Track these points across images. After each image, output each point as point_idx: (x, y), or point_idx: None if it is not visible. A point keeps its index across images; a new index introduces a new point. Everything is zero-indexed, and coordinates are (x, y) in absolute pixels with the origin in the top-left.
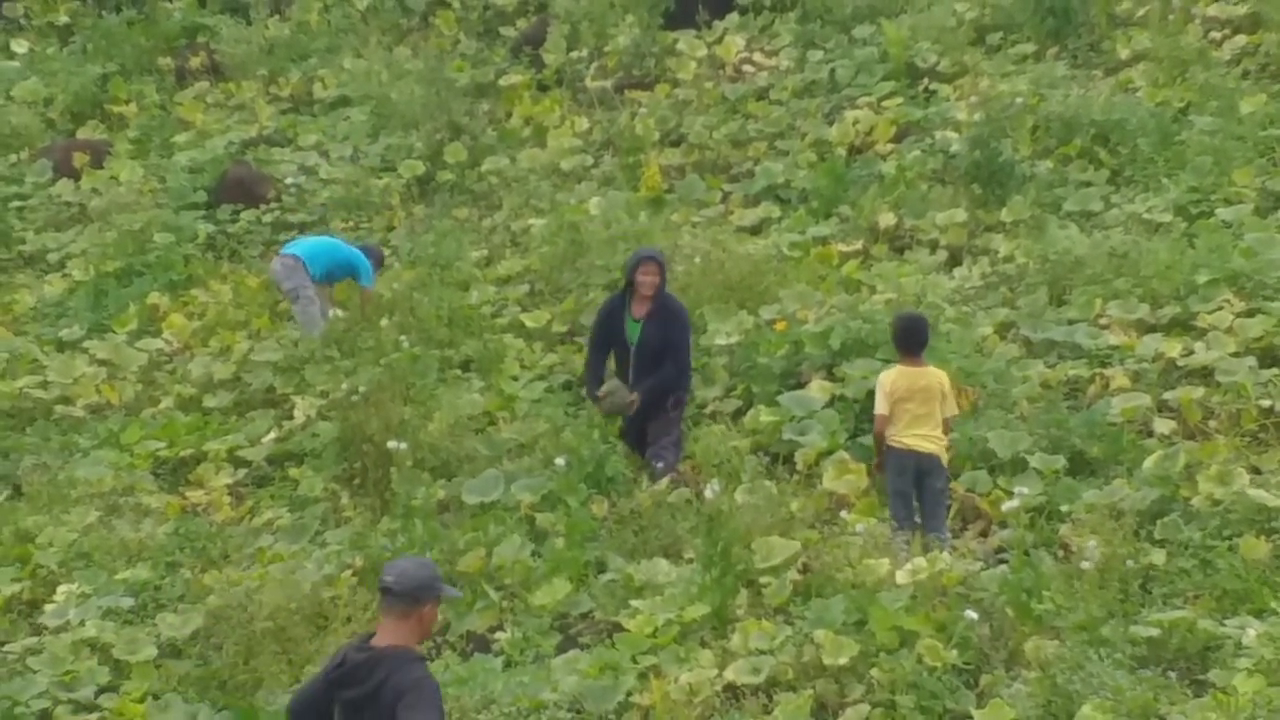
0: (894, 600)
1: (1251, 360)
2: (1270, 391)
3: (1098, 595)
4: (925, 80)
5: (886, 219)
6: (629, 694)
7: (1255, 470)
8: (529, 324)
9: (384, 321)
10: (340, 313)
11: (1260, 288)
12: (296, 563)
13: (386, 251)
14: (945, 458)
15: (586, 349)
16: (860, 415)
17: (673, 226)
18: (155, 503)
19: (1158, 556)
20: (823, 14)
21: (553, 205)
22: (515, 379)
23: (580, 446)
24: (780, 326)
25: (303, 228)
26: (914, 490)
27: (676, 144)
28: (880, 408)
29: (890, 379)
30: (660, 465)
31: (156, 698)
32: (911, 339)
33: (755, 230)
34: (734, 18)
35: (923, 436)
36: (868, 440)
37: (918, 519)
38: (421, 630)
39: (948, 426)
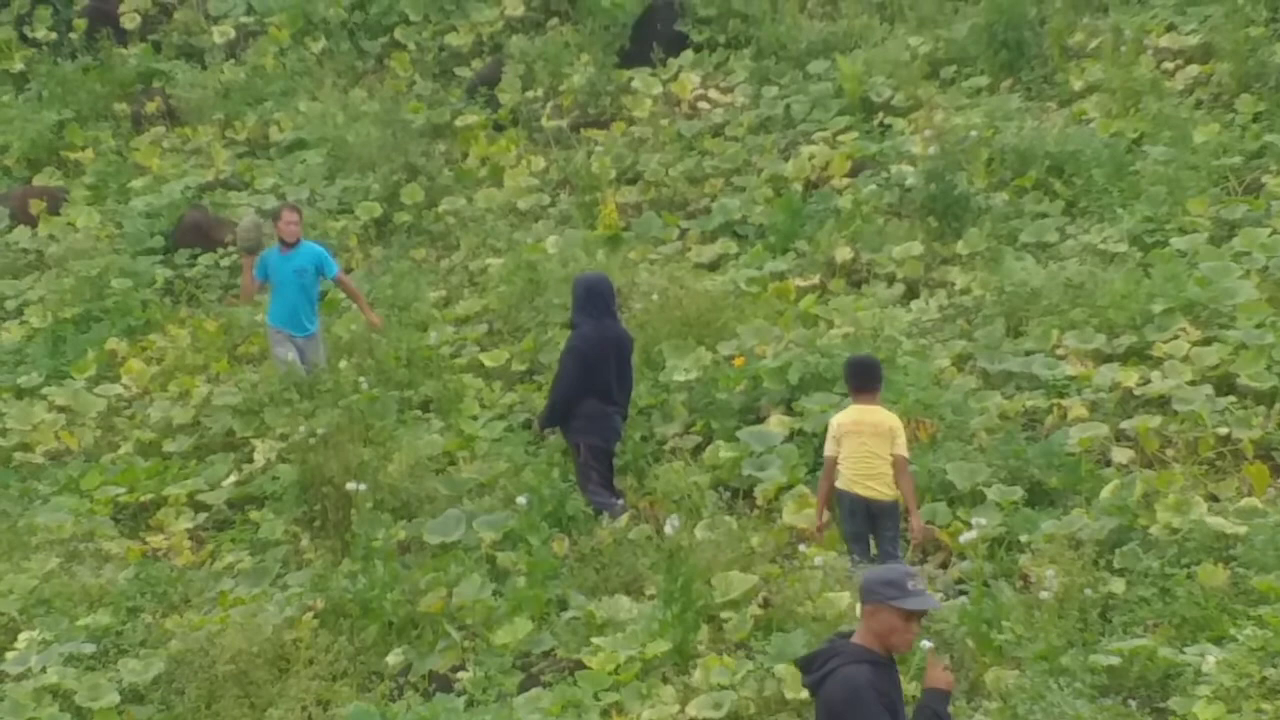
0: None
1: (1208, 388)
2: (1227, 419)
3: (1057, 625)
4: (880, 114)
5: (843, 253)
6: None
7: (1213, 498)
8: (488, 363)
9: (342, 363)
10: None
11: (1215, 316)
12: (258, 606)
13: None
14: (895, 498)
15: None
16: (819, 450)
17: (630, 264)
18: (116, 548)
19: (1117, 585)
20: (777, 50)
21: (510, 244)
22: (475, 418)
23: (541, 485)
24: (738, 362)
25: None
26: (868, 531)
27: (633, 182)
28: (829, 449)
29: (839, 418)
30: (606, 515)
31: None
32: (864, 378)
33: (713, 266)
34: (689, 55)
35: (871, 481)
36: None
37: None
38: (875, 634)
39: (901, 465)
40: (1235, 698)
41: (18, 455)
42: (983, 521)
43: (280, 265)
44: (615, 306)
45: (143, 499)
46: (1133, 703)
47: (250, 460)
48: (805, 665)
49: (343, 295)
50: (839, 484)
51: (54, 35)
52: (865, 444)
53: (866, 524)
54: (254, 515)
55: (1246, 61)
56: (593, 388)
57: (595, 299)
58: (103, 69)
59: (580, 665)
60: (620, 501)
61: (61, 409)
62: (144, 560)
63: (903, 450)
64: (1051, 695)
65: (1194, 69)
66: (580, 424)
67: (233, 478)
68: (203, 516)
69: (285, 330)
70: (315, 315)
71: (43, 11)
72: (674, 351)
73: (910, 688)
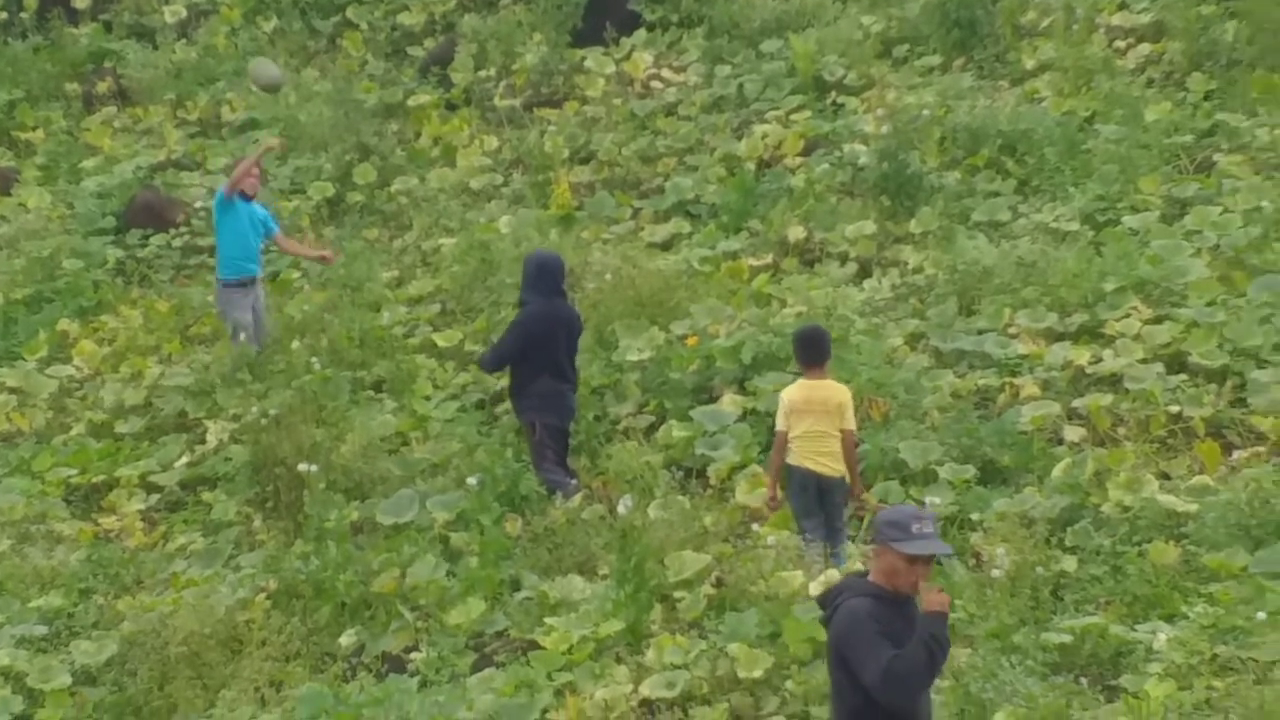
0: (807, 612)
1: (1159, 367)
2: (1178, 397)
3: (1009, 603)
4: (833, 93)
5: (796, 232)
6: (544, 711)
7: (1164, 476)
8: (441, 343)
9: (295, 344)
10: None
11: (1167, 294)
12: (210, 587)
13: (296, 274)
14: (845, 475)
15: None
16: (772, 429)
17: (583, 243)
18: (68, 530)
19: (1069, 563)
20: (730, 29)
21: (463, 224)
22: (428, 399)
23: (494, 465)
24: (691, 342)
25: (212, 252)
26: (818, 506)
27: (586, 161)
28: (780, 424)
29: (789, 393)
30: (560, 494)
31: None
32: (812, 351)
33: (666, 246)
34: (641, 34)
35: (822, 457)
36: None
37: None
38: (883, 573)
39: (848, 440)
40: (1186, 675)
41: None
42: (935, 500)
43: (244, 211)
44: (565, 285)
45: (95, 480)
46: (1084, 680)
47: (202, 441)
48: (821, 602)
49: (295, 275)
50: (790, 459)
51: (4, 15)
52: (817, 422)
53: (816, 499)
54: (206, 496)
55: (1198, 40)
56: (545, 366)
57: (546, 277)
58: (54, 49)
59: (533, 645)
60: (574, 481)
61: (13, 390)
62: (96, 542)
63: (851, 425)
64: (1003, 673)
65: (1146, 47)
66: (534, 402)
67: (185, 459)
68: (155, 498)
69: (241, 281)
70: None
71: None
72: (627, 331)
73: None
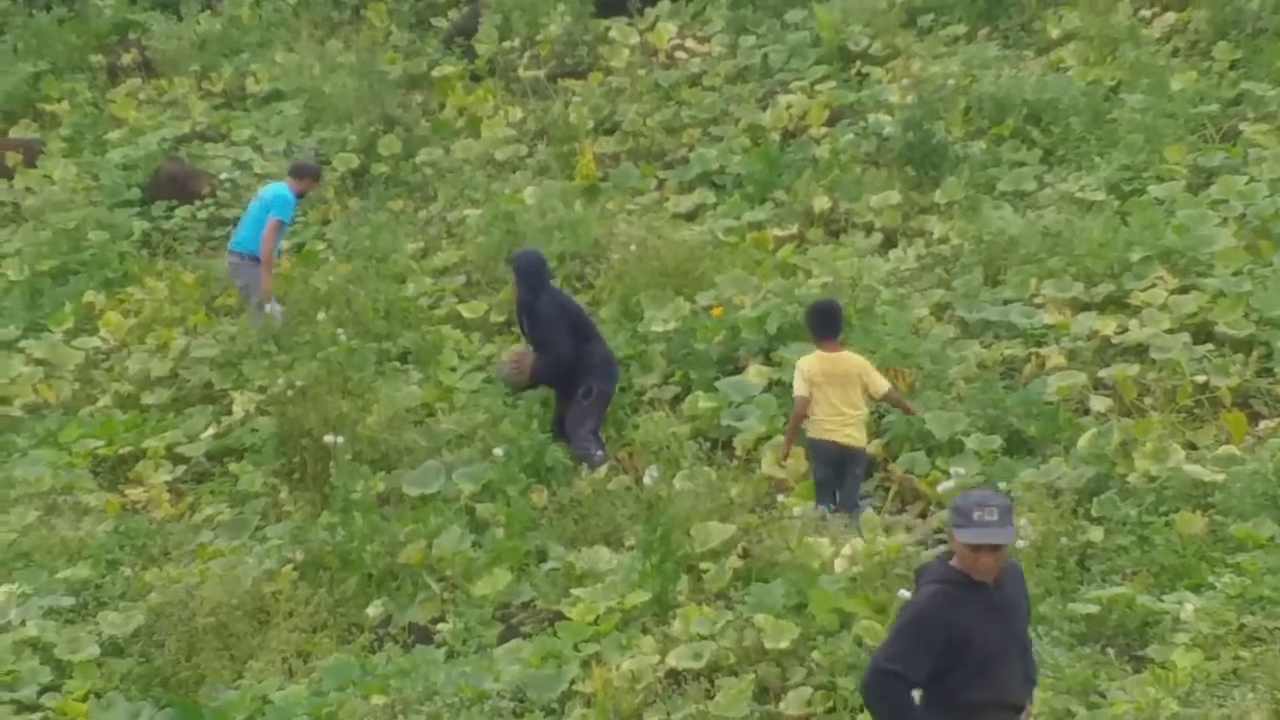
0: (834, 583)
1: (1185, 337)
2: (1205, 367)
3: (1036, 573)
4: (858, 63)
5: (821, 203)
6: (571, 682)
7: (1191, 446)
8: (466, 315)
9: (320, 315)
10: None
11: (1193, 264)
12: (237, 558)
13: (321, 245)
14: (864, 446)
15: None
16: None
17: (608, 214)
18: (94, 501)
19: (1095, 534)
20: None
21: (488, 195)
22: (453, 370)
23: (519, 436)
24: (717, 312)
25: (237, 223)
26: (836, 477)
27: (610, 132)
28: (800, 389)
29: (808, 364)
30: (586, 465)
31: (99, 696)
32: (826, 324)
33: (690, 216)
34: (665, 4)
35: (845, 427)
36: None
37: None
38: (956, 556)
39: (894, 398)
40: (1213, 645)
41: None
42: (961, 471)
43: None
44: None
45: (121, 452)
46: (1111, 651)
47: (229, 413)
48: (916, 579)
49: (321, 247)
50: (812, 433)
51: None
52: (836, 394)
53: (836, 470)
54: (233, 468)
55: (1224, 9)
56: (591, 334)
57: (542, 270)
58: (78, 20)
59: (560, 616)
60: (601, 453)
61: (39, 362)
62: (123, 513)
63: (882, 386)
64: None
65: (1171, 16)
66: (596, 366)
67: (211, 430)
68: (181, 469)
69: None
70: None
71: None
72: (652, 302)
73: None
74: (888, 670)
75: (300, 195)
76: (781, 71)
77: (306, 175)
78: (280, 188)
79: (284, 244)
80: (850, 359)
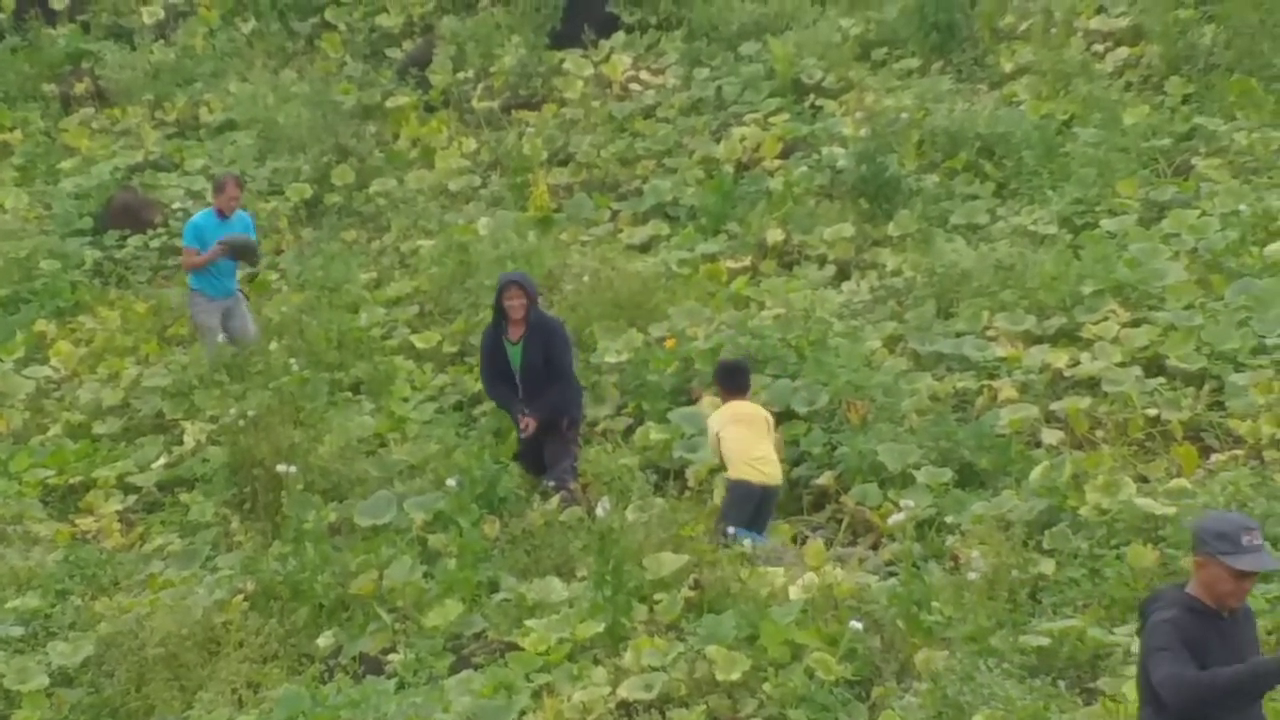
0: (785, 614)
1: (1137, 370)
2: (1156, 401)
3: (987, 606)
4: (811, 96)
5: (775, 235)
6: (522, 713)
7: (1142, 479)
8: (419, 345)
9: (273, 345)
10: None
11: (1145, 298)
12: (188, 588)
13: (274, 275)
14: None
15: (484, 384)
16: None
17: (561, 245)
18: (45, 530)
19: (1046, 566)
20: (709, 31)
21: (441, 226)
22: (406, 400)
23: (472, 467)
24: (670, 344)
25: None
26: (754, 518)
27: (564, 163)
28: (714, 428)
29: (718, 413)
30: (564, 494)
31: None
32: (734, 381)
33: (644, 248)
34: (620, 36)
35: (764, 465)
36: None
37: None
38: (1204, 585)
39: (779, 445)
40: None
41: None
42: (911, 503)
43: (219, 233)
44: None
45: (72, 481)
46: (1062, 683)
47: (180, 442)
48: (1139, 612)
49: (274, 276)
50: (734, 475)
51: None
52: (750, 433)
53: (755, 512)
54: (184, 497)
55: (1176, 43)
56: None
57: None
58: (31, 49)
59: (512, 647)
60: (575, 486)
61: None
62: (73, 542)
63: (778, 439)
64: (981, 676)
65: (1124, 51)
66: (579, 397)
67: (162, 460)
68: (132, 499)
69: (213, 296)
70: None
71: None
72: (605, 333)
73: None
74: (1174, 675)
75: (222, 211)
76: (736, 104)
77: (218, 190)
78: (246, 215)
79: (239, 273)
80: (756, 407)
